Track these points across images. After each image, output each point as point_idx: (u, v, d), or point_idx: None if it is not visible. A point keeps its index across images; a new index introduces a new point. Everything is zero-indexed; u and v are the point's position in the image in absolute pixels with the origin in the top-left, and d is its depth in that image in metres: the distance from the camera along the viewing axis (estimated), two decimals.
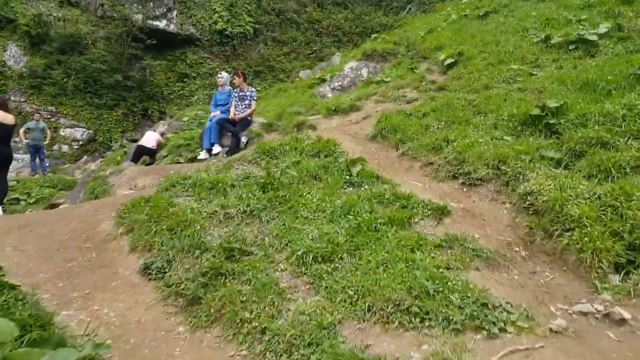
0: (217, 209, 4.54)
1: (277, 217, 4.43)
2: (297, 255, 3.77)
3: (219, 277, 3.72)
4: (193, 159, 9.00)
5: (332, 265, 3.60)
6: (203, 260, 3.88)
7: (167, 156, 9.71)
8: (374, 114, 7.84)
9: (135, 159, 10.69)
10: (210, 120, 8.97)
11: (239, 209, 4.49)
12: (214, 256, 3.89)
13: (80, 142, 21.32)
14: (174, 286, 3.72)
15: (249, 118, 8.92)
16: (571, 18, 8.79)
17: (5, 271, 3.69)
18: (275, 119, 9.19)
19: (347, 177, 4.97)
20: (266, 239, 4.18)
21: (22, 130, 14.09)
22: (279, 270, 3.76)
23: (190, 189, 4.97)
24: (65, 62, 20.36)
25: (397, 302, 2.92)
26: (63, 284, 3.79)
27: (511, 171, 4.31)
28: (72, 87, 20.31)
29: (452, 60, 9.34)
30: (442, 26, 12.46)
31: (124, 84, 20.33)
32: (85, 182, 7.73)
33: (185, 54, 21.89)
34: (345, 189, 4.80)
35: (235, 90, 9.06)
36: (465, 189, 4.62)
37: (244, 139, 8.54)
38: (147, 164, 10.57)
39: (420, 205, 4.10)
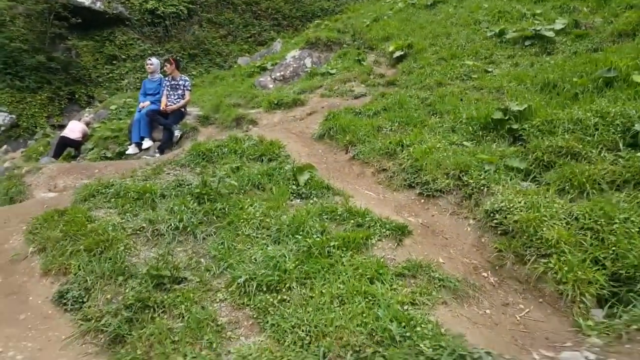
0: (145, 225, 3.97)
1: (215, 234, 3.94)
2: (239, 283, 3.34)
3: (147, 311, 3.21)
4: (122, 153, 8.19)
5: (279, 297, 3.19)
6: (127, 289, 3.34)
7: (92, 149, 8.79)
8: (320, 110, 7.42)
9: (58, 151, 9.66)
10: (139, 111, 8.16)
11: (170, 224, 3.95)
12: (140, 283, 3.35)
13: (3, 128, 19.40)
14: (93, 320, 3.19)
15: (183, 110, 8.22)
16: (525, 12, 8.74)
17: None
18: (212, 111, 8.53)
19: (294, 186, 4.54)
20: (202, 261, 3.70)
21: None
22: (217, 300, 3.31)
23: (112, 200, 4.33)
24: None
25: (357, 349, 2.54)
26: None
27: (474, 182, 4.03)
28: None
29: (402, 52, 9.07)
30: (388, 14, 12.18)
31: (47, 65, 18.53)
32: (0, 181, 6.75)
33: (114, 34, 20.22)
34: (292, 200, 4.37)
35: (166, 78, 8.27)
36: (422, 200, 4.31)
37: (177, 133, 7.86)
38: (72, 156, 9.57)
39: (378, 224, 3.73)
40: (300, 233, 3.72)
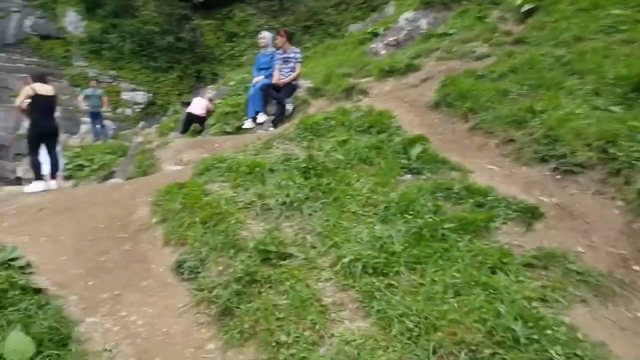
0: (254, 199, 3.99)
1: (321, 210, 3.83)
2: (344, 263, 3.17)
3: (254, 285, 3.23)
4: (240, 128, 8.50)
5: (386, 281, 2.98)
6: (237, 263, 3.39)
7: (214, 124, 9.29)
8: (436, 75, 6.86)
9: (185, 127, 10.41)
10: (254, 86, 8.33)
11: (278, 199, 3.92)
12: (249, 257, 3.37)
13: (142, 106, 21.68)
14: (206, 291, 3.29)
15: (294, 83, 8.20)
16: None
17: (35, 267, 3.41)
18: (323, 83, 8.40)
19: (405, 161, 4.21)
20: (308, 237, 3.61)
21: (80, 97, 14.25)
22: (322, 280, 3.19)
23: (226, 174, 4.43)
24: (120, 25, 20.37)
25: (473, 348, 2.23)
26: (93, 282, 3.46)
27: (624, 156, 3.33)
28: (128, 50, 20.41)
29: (531, 5, 7.98)
30: None
31: (176, 45, 20.07)
32: (133, 155, 7.46)
33: (233, 11, 21.11)
34: (402, 176, 4.06)
35: (278, 52, 8.29)
36: (558, 177, 3.72)
37: (289, 106, 7.89)
38: (198, 132, 10.25)
39: (502, 204, 3.28)
40: (410, 212, 3.43)
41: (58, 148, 8.41)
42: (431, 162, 4.12)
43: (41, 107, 6.37)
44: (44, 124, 6.47)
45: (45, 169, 6.79)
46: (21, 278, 3.13)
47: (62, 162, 9.04)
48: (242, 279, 3.22)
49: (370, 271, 3.06)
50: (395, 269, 3.02)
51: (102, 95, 14.21)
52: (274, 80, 8.05)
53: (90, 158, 11.68)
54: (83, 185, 7.35)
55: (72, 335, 2.78)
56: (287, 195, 3.93)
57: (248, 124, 8.21)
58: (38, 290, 3.05)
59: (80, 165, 11.40)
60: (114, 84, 21.99)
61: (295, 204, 3.87)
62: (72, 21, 21.78)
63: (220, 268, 3.42)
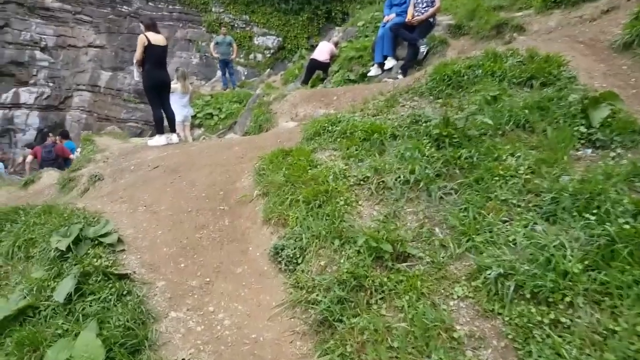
0: (369, 174, 3.21)
1: (456, 194, 2.89)
2: (487, 278, 2.28)
3: (362, 293, 2.53)
4: (364, 75, 7.61)
5: (553, 315, 2.04)
6: (343, 259, 2.70)
7: (337, 71, 8.51)
8: (624, 4, 5.12)
9: (308, 75, 9.81)
10: (383, 26, 7.25)
11: (399, 176, 3.07)
12: (357, 253, 2.66)
13: (272, 50, 21.82)
14: (304, 291, 2.69)
15: (431, 20, 6.89)
16: None
17: (127, 244, 3.15)
18: (467, 18, 7.01)
19: (584, 128, 2.99)
20: (437, 231, 2.75)
21: (212, 45, 14.47)
22: (455, 297, 2.36)
23: (338, 140, 3.68)
24: None
25: None
26: (185, 265, 3.08)
27: None
28: None
29: None
30: None
31: None
32: (251, 108, 7.12)
33: None
34: (579, 151, 2.89)
35: None
36: None
37: (423, 49, 6.73)
38: (321, 79, 9.60)
39: None
40: (594, 210, 2.34)
41: (185, 98, 8.48)
42: (625, 132, 2.85)
43: (155, 58, 6.04)
44: (158, 74, 6.21)
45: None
46: (108, 259, 2.85)
47: (190, 111, 9.16)
48: (347, 282, 2.53)
49: (528, 296, 2.13)
50: (568, 298, 2.05)
51: (232, 42, 14.24)
52: (408, 17, 6.85)
53: (218, 107, 11.84)
54: (204, 138, 7.31)
55: (148, 337, 2.40)
56: (412, 172, 3.06)
57: (374, 70, 7.28)
58: (122, 276, 2.73)
59: (209, 114, 11.64)
60: (247, 29, 22.34)
61: (421, 184, 3.00)
62: None
63: (322, 263, 2.77)
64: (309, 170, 3.39)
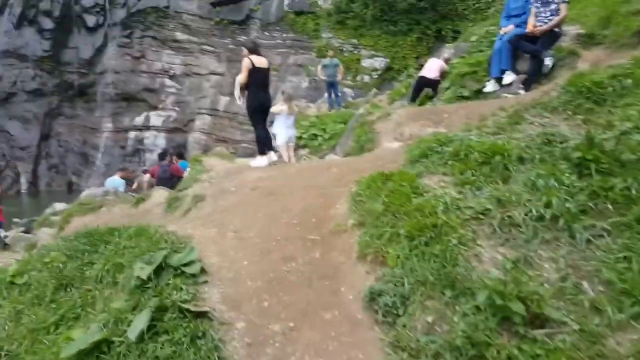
0: (491, 207, 2.61)
1: (610, 237, 2.18)
2: None
3: None
4: (479, 92, 6.88)
5: None
6: (457, 316, 2.16)
7: (448, 88, 7.85)
8: None
9: (415, 93, 9.28)
10: (501, 38, 6.50)
11: (530, 210, 2.44)
12: (477, 310, 2.10)
13: (379, 72, 21.71)
14: (406, 353, 2.19)
15: (557, 30, 6.00)
16: None
17: (211, 274, 2.92)
18: (600, 26, 6.03)
19: None
20: (586, 286, 2.08)
21: (319, 67, 14.61)
22: None
23: (449, 163, 3.12)
24: None
25: None
26: (269, 303, 2.75)
27: None
28: (370, 17, 20.58)
29: None
30: None
31: (417, 6, 19.09)
32: (353, 128, 6.78)
33: None
34: None
35: None
36: None
37: (547, 62, 5.87)
38: (430, 97, 9.00)
39: None
40: None
41: (290, 120, 8.45)
42: None
43: (259, 81, 6.07)
44: (262, 97, 6.25)
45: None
46: (188, 291, 2.61)
47: (294, 132, 9.11)
48: (462, 349, 1.98)
49: None
50: None
51: (339, 64, 14.25)
52: (529, 28, 6.06)
53: (322, 127, 11.77)
54: (305, 159, 7.14)
55: None
56: (548, 205, 2.40)
57: (490, 86, 6.53)
58: (200, 314, 2.47)
59: (314, 135, 11.60)
60: (354, 52, 22.50)
61: (561, 221, 2.33)
62: None
63: (430, 319, 2.23)
64: (414, 199, 2.89)
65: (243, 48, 6.31)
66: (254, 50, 5.97)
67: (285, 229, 3.38)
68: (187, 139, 28.45)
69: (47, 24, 27.88)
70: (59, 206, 7.70)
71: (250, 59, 5.75)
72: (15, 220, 11.90)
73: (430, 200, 2.80)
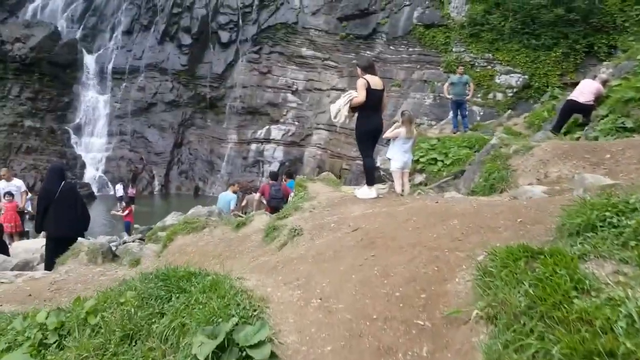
0: None
1: None
2: None
3: None
4: None
5: None
6: None
7: (606, 116, 6.43)
8: None
9: (563, 118, 7.90)
10: None
11: None
12: None
13: (515, 89, 19.97)
14: None
15: None
16: None
17: None
18: None
19: None
20: None
21: (446, 85, 13.51)
22: None
23: (631, 245, 2.10)
24: (504, 3, 19.00)
25: None
26: None
27: None
28: (509, 29, 18.99)
29: None
30: None
31: (566, 18, 16.92)
32: (482, 161, 5.77)
33: None
34: None
35: None
36: None
37: None
38: (579, 125, 7.56)
39: None
40: None
41: (408, 144, 7.65)
42: None
43: (373, 102, 5.51)
44: (375, 120, 5.66)
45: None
46: None
47: (410, 157, 8.26)
48: None
49: None
50: None
51: (469, 82, 12.99)
52: None
53: (444, 151, 10.68)
54: (420, 192, 6.22)
55: None
56: None
57: None
58: None
59: (433, 159, 10.58)
60: (488, 67, 20.90)
61: None
62: (457, 6, 21.93)
63: None
64: (575, 299, 1.95)
65: (357, 67, 5.74)
66: (369, 68, 5.39)
67: (385, 303, 2.63)
68: (304, 153, 28.93)
69: (186, 39, 30.55)
70: (170, 220, 7.85)
71: (365, 79, 5.17)
72: (136, 226, 12.72)
73: (603, 307, 1.84)
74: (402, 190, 7.32)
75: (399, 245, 3.22)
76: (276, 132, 29.88)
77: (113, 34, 31.66)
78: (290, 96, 30.42)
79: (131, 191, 25.04)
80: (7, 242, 10.25)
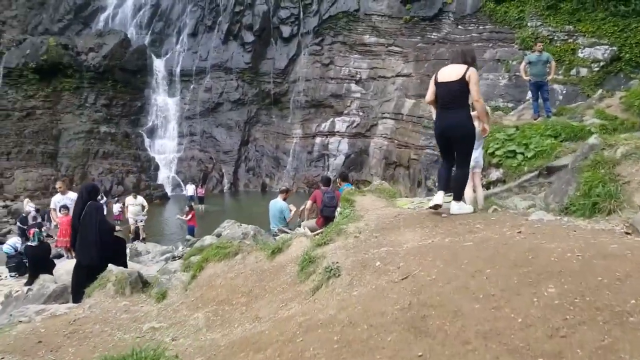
0: None
1: None
2: None
3: None
4: None
5: None
6: None
7: None
8: None
9: None
10: None
11: None
12: None
13: (602, 63, 17.48)
14: None
15: None
16: None
17: None
18: None
19: None
20: None
21: (522, 65, 11.70)
22: None
23: None
24: None
25: None
26: None
27: None
28: None
29: None
30: None
31: None
32: (578, 168, 4.40)
33: None
34: None
35: None
36: None
37: None
38: None
39: None
40: None
41: (477, 145, 6.35)
42: None
43: (441, 98, 4.57)
44: (442, 121, 4.57)
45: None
46: None
47: (481, 154, 6.96)
48: None
49: None
50: None
51: (549, 60, 11.10)
52: None
53: (524, 142, 9.06)
54: (495, 209, 4.84)
55: None
56: None
57: None
58: None
59: (511, 151, 9.01)
60: (569, 41, 18.49)
61: None
62: None
63: None
64: None
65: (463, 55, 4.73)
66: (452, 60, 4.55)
67: None
68: (369, 144, 27.71)
69: (249, 37, 30.40)
70: (209, 239, 7.19)
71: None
72: (188, 237, 12.27)
73: None
74: (475, 194, 6.08)
75: (463, 334, 2.09)
76: (340, 124, 28.93)
77: (179, 37, 32.33)
78: (353, 86, 29.30)
79: (200, 191, 25.37)
80: (65, 256, 10.30)
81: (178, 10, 32.54)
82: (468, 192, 6.29)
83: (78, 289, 5.73)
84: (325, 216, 7.99)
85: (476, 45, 24.06)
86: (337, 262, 3.85)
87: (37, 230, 8.32)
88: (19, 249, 8.80)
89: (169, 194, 28.48)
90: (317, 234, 6.84)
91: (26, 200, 21.94)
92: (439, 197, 4.65)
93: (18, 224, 17.93)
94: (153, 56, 31.60)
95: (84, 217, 6.05)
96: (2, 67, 27.25)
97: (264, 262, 5.03)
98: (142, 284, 5.67)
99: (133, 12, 32.71)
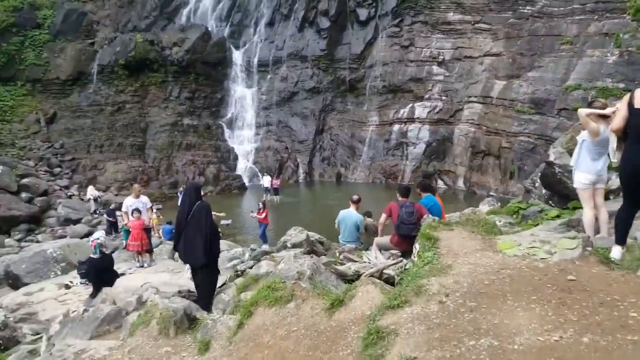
0: None
1: None
2: None
3: None
4: None
5: None
6: None
7: None
8: None
9: None
10: None
11: None
12: None
13: None
14: None
15: None
16: None
17: None
18: None
19: None
20: None
21: None
22: None
23: None
24: None
25: None
26: None
27: None
28: None
29: None
30: None
31: None
32: None
33: None
34: None
35: None
36: None
37: None
38: None
39: None
40: None
41: (599, 146, 4.81)
42: None
43: (634, 129, 3.56)
44: (637, 158, 3.54)
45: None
46: None
47: (604, 165, 5.33)
48: None
49: None
50: None
51: None
52: None
53: None
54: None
55: None
56: None
57: None
58: None
59: None
60: None
61: None
62: None
63: None
64: None
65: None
66: None
67: None
68: (453, 131, 25.60)
69: (324, 23, 29.33)
70: (265, 266, 6.28)
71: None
72: (252, 247, 11.38)
73: None
74: (599, 220, 4.63)
75: None
76: (421, 109, 27.02)
77: (257, 27, 32.15)
78: (435, 68, 27.16)
79: (276, 182, 25.06)
80: (135, 259, 10.13)
81: (255, 0, 32.33)
82: (587, 214, 4.83)
83: (206, 291, 5.89)
84: (403, 235, 6.76)
85: (579, 18, 21.05)
86: (415, 357, 2.72)
87: (98, 242, 8.04)
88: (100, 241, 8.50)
89: (247, 184, 28.61)
90: (392, 265, 5.73)
91: (90, 187, 23.06)
92: (617, 252, 3.57)
93: (105, 216, 18.74)
94: (232, 48, 31.76)
95: (192, 216, 5.71)
96: (96, 65, 28.72)
97: (321, 317, 4.02)
98: (188, 322, 4.97)
99: (213, 5, 33.02)
